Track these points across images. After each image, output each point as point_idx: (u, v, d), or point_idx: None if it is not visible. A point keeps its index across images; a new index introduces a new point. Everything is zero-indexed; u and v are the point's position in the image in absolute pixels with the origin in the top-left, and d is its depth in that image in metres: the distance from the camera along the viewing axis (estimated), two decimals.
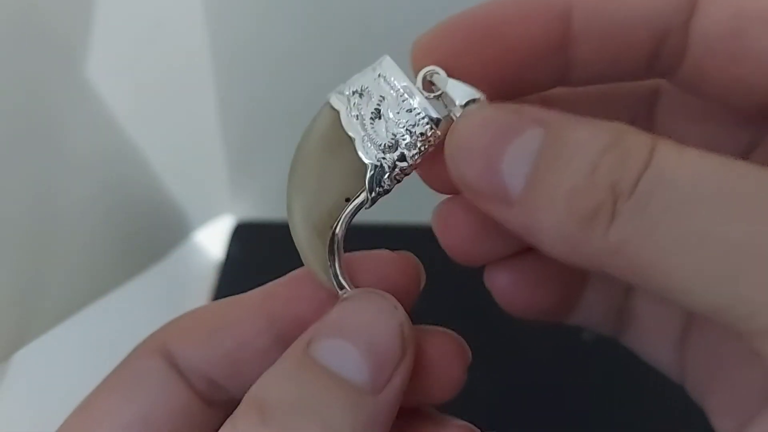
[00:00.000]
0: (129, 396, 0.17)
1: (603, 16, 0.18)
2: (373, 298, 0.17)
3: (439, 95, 0.18)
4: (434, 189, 0.20)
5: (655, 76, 0.19)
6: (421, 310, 0.20)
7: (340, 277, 0.18)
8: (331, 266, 0.18)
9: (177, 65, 0.41)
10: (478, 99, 0.17)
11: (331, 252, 0.18)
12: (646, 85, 0.21)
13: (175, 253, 0.47)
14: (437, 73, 0.18)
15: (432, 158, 0.18)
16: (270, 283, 0.19)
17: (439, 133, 0.18)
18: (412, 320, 0.18)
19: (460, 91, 0.18)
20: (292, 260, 0.19)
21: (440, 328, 0.19)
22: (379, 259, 0.19)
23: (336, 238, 0.18)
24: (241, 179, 0.48)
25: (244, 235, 0.48)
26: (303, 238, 0.18)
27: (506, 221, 0.16)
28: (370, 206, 0.18)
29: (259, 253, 0.45)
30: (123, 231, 0.42)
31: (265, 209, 0.48)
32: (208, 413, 0.17)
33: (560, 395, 0.38)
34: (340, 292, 0.18)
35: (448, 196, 0.20)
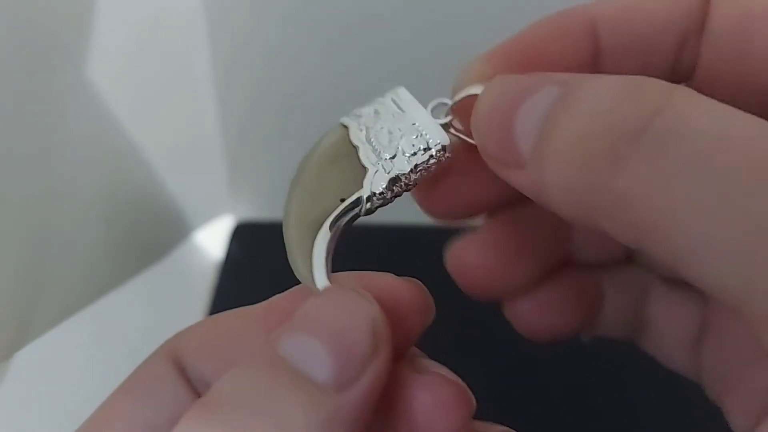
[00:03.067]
0: (140, 400, 0.17)
1: (626, 26, 0.18)
2: (345, 292, 0.16)
3: (448, 122, 0.19)
4: (429, 214, 0.20)
5: (677, 81, 0.19)
6: None
7: (322, 275, 0.17)
8: (313, 262, 0.18)
9: (177, 65, 0.41)
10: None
11: (317, 248, 0.18)
12: None
13: (175, 253, 0.47)
14: (445, 104, 0.19)
15: (430, 183, 0.19)
16: (271, 298, 0.18)
17: (447, 154, 0.18)
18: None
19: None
20: None
21: (439, 370, 0.17)
22: (386, 285, 0.18)
23: (322, 234, 0.18)
24: (241, 179, 0.48)
25: (244, 235, 0.48)
26: (291, 234, 0.18)
27: (522, 186, 0.16)
28: (367, 213, 0.18)
29: (259, 253, 0.45)
30: (123, 231, 0.42)
31: (265, 209, 0.48)
32: None
33: (557, 396, 0.38)
34: (317, 289, 0.17)
35: (460, 241, 0.20)
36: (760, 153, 0.13)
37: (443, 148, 0.18)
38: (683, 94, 0.14)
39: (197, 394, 0.18)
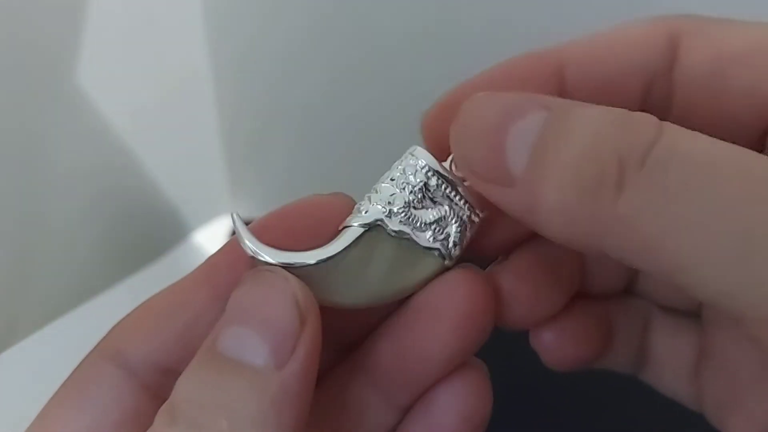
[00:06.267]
0: (79, 407, 0.17)
1: (592, 69, 0.19)
2: (261, 275, 0.17)
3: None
4: None
5: None
6: None
7: (246, 231, 0.18)
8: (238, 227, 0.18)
9: (177, 66, 0.41)
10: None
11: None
12: None
13: (174, 253, 0.46)
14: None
15: None
16: (209, 257, 0.19)
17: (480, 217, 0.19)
18: None
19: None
20: None
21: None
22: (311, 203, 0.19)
23: None
24: (241, 179, 0.48)
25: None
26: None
27: (508, 204, 0.17)
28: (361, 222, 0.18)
29: None
30: (123, 231, 0.42)
31: (266, 209, 0.47)
32: None
33: (554, 401, 0.38)
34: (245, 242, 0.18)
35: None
36: (745, 171, 0.14)
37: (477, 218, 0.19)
38: (671, 126, 0.15)
39: (142, 383, 0.18)
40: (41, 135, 0.35)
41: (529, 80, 0.19)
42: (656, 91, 0.19)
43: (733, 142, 0.17)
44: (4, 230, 0.33)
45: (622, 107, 0.18)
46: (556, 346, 0.22)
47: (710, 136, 0.18)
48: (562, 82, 0.19)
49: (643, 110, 0.18)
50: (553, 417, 0.37)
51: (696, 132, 0.15)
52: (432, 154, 0.19)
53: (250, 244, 0.17)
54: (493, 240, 0.20)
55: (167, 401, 0.16)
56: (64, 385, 0.18)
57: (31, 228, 0.35)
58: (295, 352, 0.16)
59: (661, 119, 0.19)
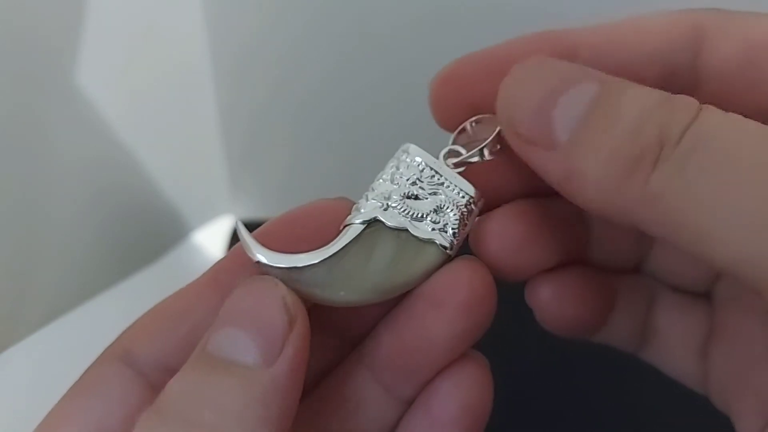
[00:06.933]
0: (88, 404, 0.18)
1: (607, 57, 0.19)
2: (251, 282, 0.18)
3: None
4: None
5: None
6: None
7: (251, 239, 0.18)
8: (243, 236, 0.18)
9: (177, 65, 0.41)
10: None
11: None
12: None
13: (174, 253, 0.47)
14: (456, 151, 0.20)
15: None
16: (216, 262, 0.19)
17: (478, 203, 0.19)
18: None
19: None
20: None
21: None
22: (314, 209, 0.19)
23: None
24: (241, 179, 0.48)
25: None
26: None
27: (545, 166, 0.17)
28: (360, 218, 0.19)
29: None
30: (123, 230, 0.42)
31: (266, 209, 0.48)
32: None
33: (553, 396, 0.38)
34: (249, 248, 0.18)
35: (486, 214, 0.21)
36: None
37: (473, 200, 0.19)
38: (709, 108, 0.16)
39: (149, 383, 0.18)
40: (41, 135, 0.35)
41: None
42: (678, 83, 0.19)
43: None
44: (4, 231, 0.33)
45: None
46: (553, 303, 0.22)
47: None
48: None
49: None
50: (555, 420, 0.37)
51: (732, 113, 0.16)
52: (426, 151, 0.19)
53: (256, 251, 0.18)
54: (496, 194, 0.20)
55: (155, 400, 0.16)
56: (75, 384, 0.18)
57: (30, 229, 0.35)
58: (284, 351, 0.16)
59: None
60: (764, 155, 0.15)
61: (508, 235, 0.20)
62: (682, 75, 0.19)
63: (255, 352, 0.16)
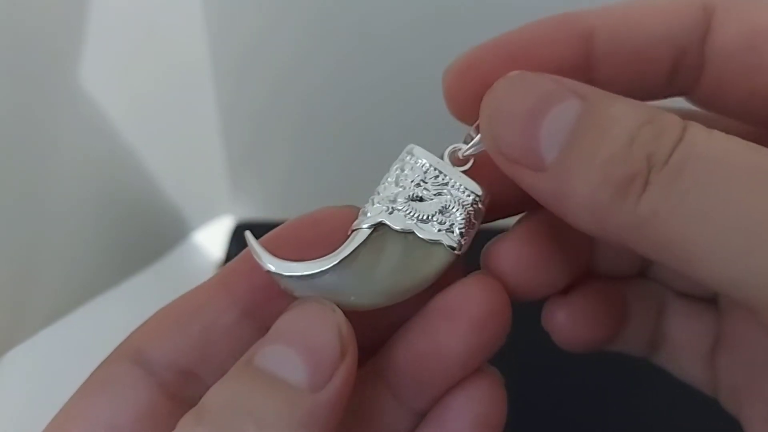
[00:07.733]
0: (98, 402, 0.18)
1: (623, 37, 0.18)
2: (310, 304, 0.18)
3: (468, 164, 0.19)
4: None
5: (674, 93, 0.19)
6: None
7: (260, 246, 0.18)
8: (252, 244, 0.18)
9: (178, 65, 0.41)
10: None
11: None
12: None
13: (174, 253, 0.47)
14: (460, 149, 0.19)
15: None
16: (227, 263, 0.19)
17: (484, 202, 0.19)
18: None
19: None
20: None
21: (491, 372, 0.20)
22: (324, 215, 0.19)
23: None
24: (241, 179, 0.48)
25: (244, 236, 0.47)
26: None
27: (534, 188, 0.17)
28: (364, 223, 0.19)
29: None
30: (123, 231, 0.42)
31: (266, 209, 0.48)
32: (178, 413, 0.17)
33: (558, 400, 0.37)
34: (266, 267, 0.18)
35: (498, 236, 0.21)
36: (753, 167, 0.15)
37: (479, 199, 0.19)
38: (694, 126, 0.16)
39: (160, 382, 0.18)
40: (43, 136, 0.35)
41: (555, 42, 0.19)
42: (686, 64, 0.19)
43: (763, 120, 0.18)
44: (6, 231, 0.33)
45: (650, 77, 0.19)
46: (569, 326, 0.22)
47: (739, 112, 0.19)
48: (590, 46, 0.19)
49: (672, 82, 0.19)
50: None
51: (714, 130, 0.16)
52: (430, 152, 0.19)
53: (266, 260, 0.18)
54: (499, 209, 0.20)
55: (195, 407, 0.16)
56: (85, 383, 0.18)
57: (31, 229, 0.35)
58: (333, 379, 0.16)
59: (688, 92, 0.19)
60: (747, 175, 0.15)
61: (520, 258, 0.20)
62: (691, 56, 0.19)
63: (303, 373, 0.16)
